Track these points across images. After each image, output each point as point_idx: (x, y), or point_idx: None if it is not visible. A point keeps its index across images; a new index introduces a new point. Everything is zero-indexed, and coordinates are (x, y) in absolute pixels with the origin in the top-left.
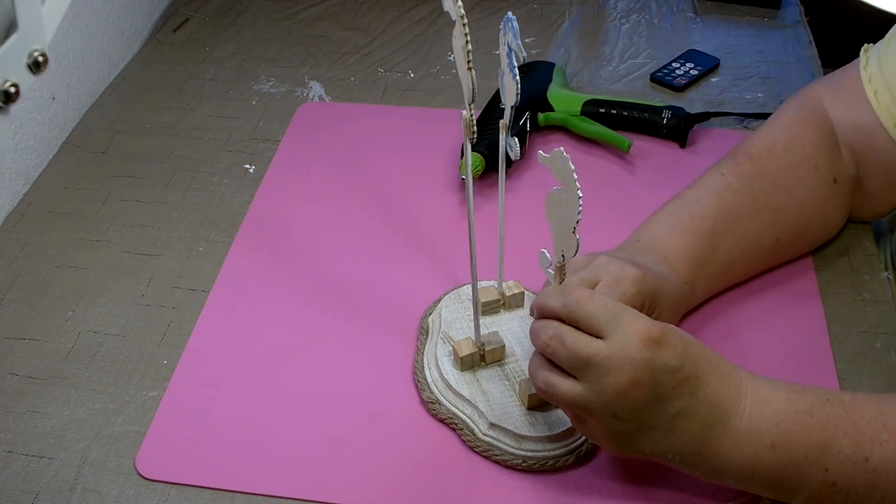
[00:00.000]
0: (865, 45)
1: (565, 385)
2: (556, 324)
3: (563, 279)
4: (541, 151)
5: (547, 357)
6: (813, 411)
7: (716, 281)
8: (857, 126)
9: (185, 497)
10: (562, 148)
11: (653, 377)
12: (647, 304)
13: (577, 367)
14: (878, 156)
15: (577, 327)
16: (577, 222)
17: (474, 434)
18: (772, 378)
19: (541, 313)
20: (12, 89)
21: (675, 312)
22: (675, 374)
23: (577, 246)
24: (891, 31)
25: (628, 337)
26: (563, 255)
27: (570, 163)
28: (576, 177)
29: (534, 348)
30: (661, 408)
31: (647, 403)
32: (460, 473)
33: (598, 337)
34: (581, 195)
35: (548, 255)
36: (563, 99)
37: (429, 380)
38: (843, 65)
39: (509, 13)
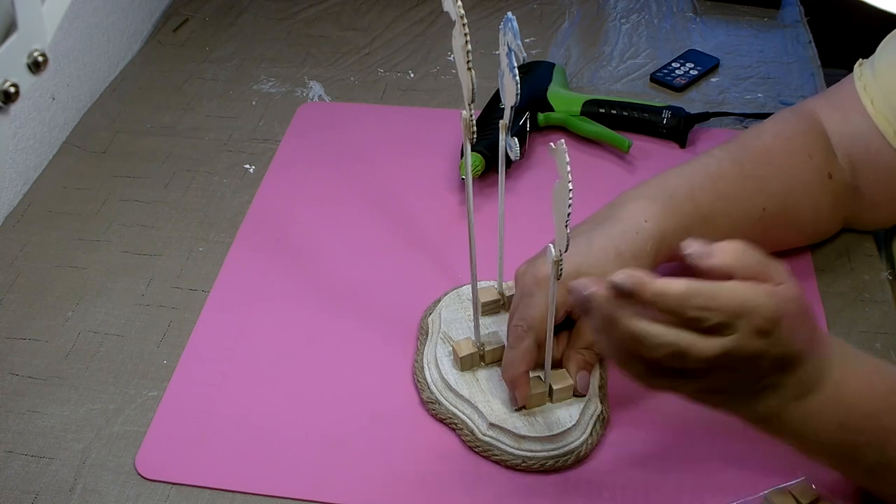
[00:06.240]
0: (860, 60)
1: (703, 341)
2: (691, 288)
3: (560, 275)
4: (551, 144)
5: (690, 324)
6: (889, 398)
7: (695, 229)
8: (855, 135)
9: (185, 497)
10: (562, 140)
11: (796, 325)
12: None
13: (733, 316)
14: (878, 163)
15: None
16: (568, 216)
17: (474, 434)
18: (860, 352)
19: (661, 299)
20: (12, 89)
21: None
22: (801, 340)
23: (567, 240)
24: (883, 42)
25: (789, 286)
26: (559, 251)
27: (566, 155)
28: (569, 169)
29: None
30: (761, 372)
31: (771, 361)
32: (460, 473)
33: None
34: (571, 188)
35: (552, 248)
36: (563, 99)
37: (428, 380)
38: (844, 64)
39: (509, 13)
